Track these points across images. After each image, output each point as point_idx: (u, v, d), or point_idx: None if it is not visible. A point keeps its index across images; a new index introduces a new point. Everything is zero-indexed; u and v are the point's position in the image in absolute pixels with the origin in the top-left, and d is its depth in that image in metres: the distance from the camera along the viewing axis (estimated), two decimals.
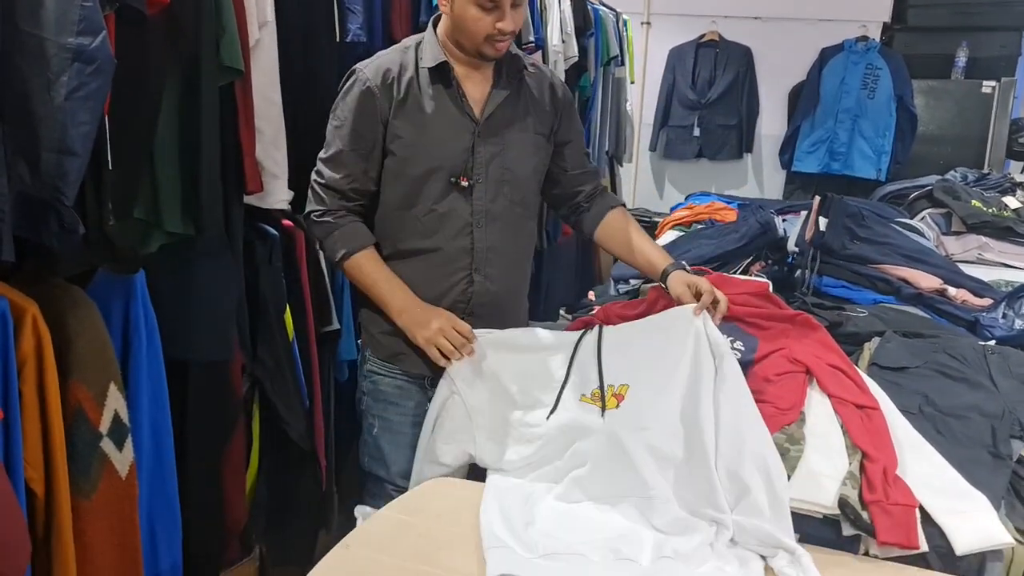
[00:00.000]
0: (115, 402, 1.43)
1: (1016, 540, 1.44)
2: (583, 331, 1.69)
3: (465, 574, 1.30)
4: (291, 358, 1.88)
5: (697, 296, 1.64)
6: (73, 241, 1.25)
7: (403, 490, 1.65)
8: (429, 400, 1.70)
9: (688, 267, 1.78)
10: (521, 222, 1.79)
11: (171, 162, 1.55)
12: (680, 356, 1.57)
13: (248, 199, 1.76)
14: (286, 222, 1.96)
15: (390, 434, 1.76)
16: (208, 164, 1.58)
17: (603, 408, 1.55)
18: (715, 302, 1.63)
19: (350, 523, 1.51)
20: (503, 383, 1.65)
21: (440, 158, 1.66)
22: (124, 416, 1.45)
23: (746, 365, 1.77)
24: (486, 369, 1.66)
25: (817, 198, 2.52)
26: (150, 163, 1.52)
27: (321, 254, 2.03)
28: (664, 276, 1.74)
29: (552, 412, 1.61)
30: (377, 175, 1.69)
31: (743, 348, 1.78)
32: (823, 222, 2.42)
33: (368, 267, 1.68)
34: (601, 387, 1.59)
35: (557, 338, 1.70)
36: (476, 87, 1.70)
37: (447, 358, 1.64)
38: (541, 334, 1.70)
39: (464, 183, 1.67)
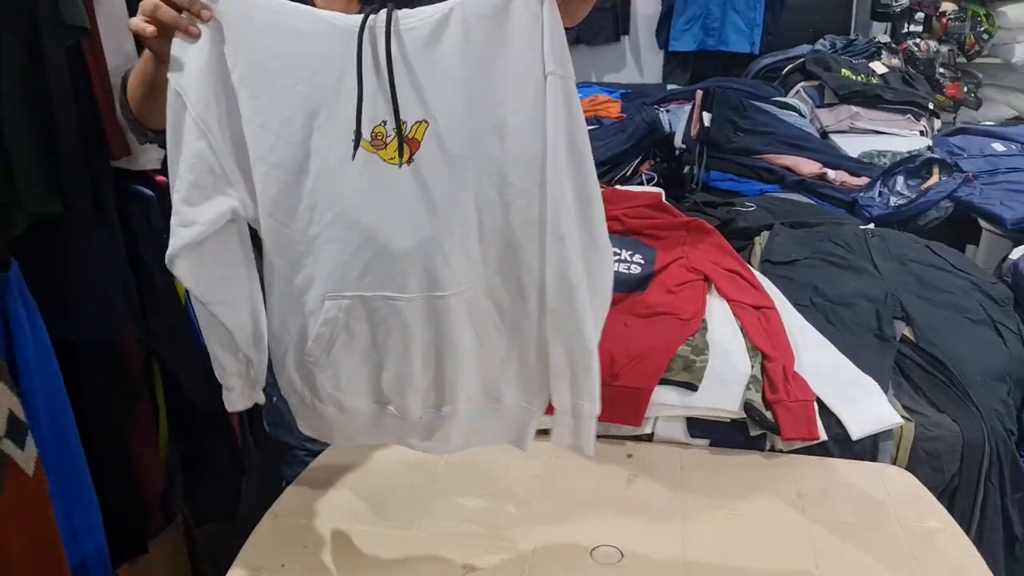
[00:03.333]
0: (7, 401, 1.35)
1: (904, 418, 1.55)
2: (367, 12, 1.03)
3: (406, 525, 1.31)
4: (186, 323, 1.81)
5: None
6: None
7: (313, 453, 1.54)
8: None
9: None
10: None
11: (21, 137, 1.42)
12: (502, 74, 1.03)
13: (117, 163, 1.65)
14: (160, 178, 1.84)
15: None
16: (66, 135, 1.46)
17: (400, 161, 1.05)
18: None
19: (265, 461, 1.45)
20: (268, 74, 1.05)
21: None
22: (20, 413, 1.38)
23: (647, 277, 1.81)
24: (233, 49, 1.04)
25: (699, 92, 2.54)
26: None
27: None
28: None
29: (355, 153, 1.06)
30: None
31: (643, 261, 1.82)
32: (707, 117, 2.45)
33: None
34: (397, 122, 1.04)
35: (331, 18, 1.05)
36: None
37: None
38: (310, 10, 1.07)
39: None
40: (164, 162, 1.78)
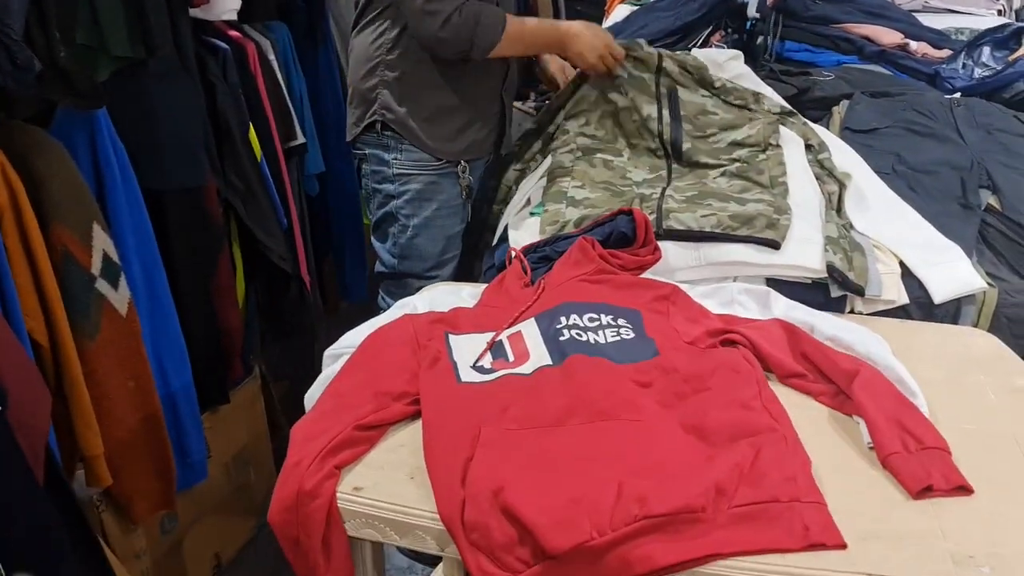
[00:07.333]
0: (101, 241, 1.39)
1: (987, 284, 1.53)
2: None
3: None
4: (262, 179, 1.83)
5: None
6: (28, 79, 1.15)
7: (431, 280, 1.73)
8: (460, 188, 1.83)
9: None
10: None
11: None
12: None
13: (194, 12, 1.63)
14: (233, 33, 1.82)
15: (427, 230, 1.82)
16: None
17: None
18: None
19: (335, 328, 1.50)
20: None
21: None
22: (113, 254, 1.41)
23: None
24: None
25: None
26: None
27: (270, 64, 1.93)
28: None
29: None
30: None
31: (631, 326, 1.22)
32: None
33: (524, 23, 1.71)
34: None
35: None
36: None
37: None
38: None
39: None
40: (239, 14, 1.77)
